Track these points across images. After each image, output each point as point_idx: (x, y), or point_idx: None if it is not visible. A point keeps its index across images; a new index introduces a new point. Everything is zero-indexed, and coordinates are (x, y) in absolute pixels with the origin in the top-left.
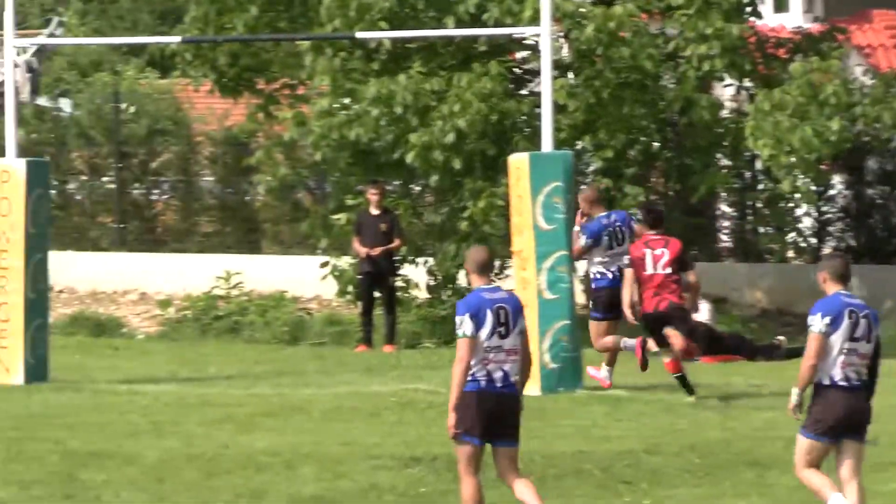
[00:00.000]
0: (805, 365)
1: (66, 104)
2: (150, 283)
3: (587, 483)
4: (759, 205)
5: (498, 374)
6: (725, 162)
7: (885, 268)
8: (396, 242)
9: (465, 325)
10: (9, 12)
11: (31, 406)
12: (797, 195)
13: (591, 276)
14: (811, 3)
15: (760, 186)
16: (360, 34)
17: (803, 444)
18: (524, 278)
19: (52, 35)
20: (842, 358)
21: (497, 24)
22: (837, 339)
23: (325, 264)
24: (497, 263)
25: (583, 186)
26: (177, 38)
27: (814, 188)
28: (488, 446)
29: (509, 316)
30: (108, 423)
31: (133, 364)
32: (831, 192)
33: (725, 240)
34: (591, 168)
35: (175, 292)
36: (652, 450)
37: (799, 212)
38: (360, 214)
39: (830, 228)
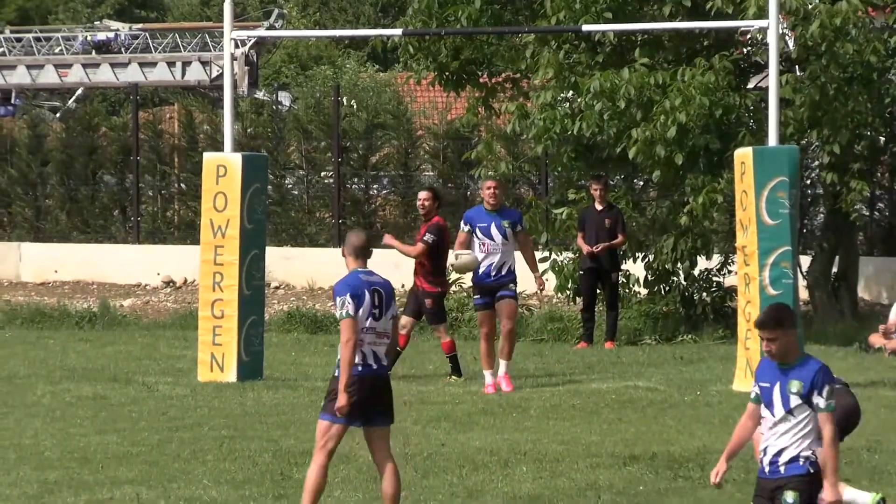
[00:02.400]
0: None
1: (284, 98)
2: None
3: None
4: None
5: (371, 356)
6: None
7: None
8: (620, 238)
9: (347, 305)
10: (227, 4)
11: (244, 404)
12: None
13: None
14: None
15: None
16: (586, 27)
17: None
18: (747, 274)
19: (271, 27)
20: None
21: (719, 14)
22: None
23: (544, 259)
24: (720, 258)
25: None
26: (398, 31)
27: None
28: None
29: (384, 299)
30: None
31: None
32: None
33: None
34: (816, 163)
35: (395, 288)
36: (873, 447)
37: None
38: (584, 210)
39: None
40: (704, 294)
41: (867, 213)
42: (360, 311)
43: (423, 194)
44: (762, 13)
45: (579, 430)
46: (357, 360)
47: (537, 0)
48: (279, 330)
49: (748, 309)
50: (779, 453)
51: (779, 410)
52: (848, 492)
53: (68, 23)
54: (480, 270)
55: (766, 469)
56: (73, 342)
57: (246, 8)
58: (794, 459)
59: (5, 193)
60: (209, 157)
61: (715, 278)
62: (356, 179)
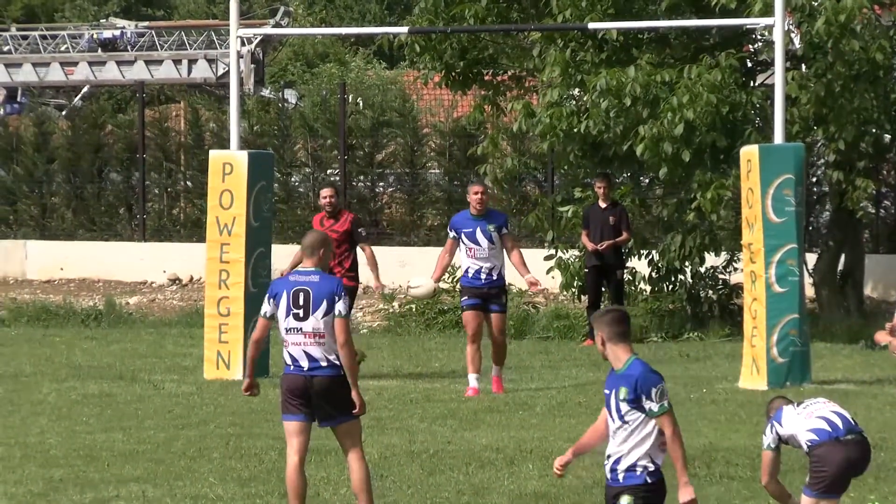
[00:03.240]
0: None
1: (290, 95)
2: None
3: None
4: None
5: (301, 357)
6: None
7: None
8: (624, 236)
9: (264, 304)
10: (234, 2)
11: (251, 402)
12: None
13: None
14: None
15: None
16: (592, 25)
17: None
18: (753, 271)
19: (277, 25)
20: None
21: (725, 11)
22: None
23: (549, 257)
24: (726, 256)
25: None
26: (404, 29)
27: None
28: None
29: (311, 298)
30: None
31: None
32: None
33: None
34: (822, 161)
35: (400, 286)
36: (879, 444)
37: None
38: (589, 208)
39: None
40: (710, 291)
41: (873, 211)
42: (279, 311)
43: (326, 191)
44: (768, 10)
45: (585, 428)
46: (288, 360)
47: None
48: None
49: (754, 306)
50: (618, 461)
51: (615, 417)
52: None
53: (74, 20)
54: (470, 274)
55: (608, 476)
56: (78, 340)
57: (252, 6)
58: (632, 468)
59: (11, 191)
60: (215, 155)
61: (721, 276)
62: (362, 177)
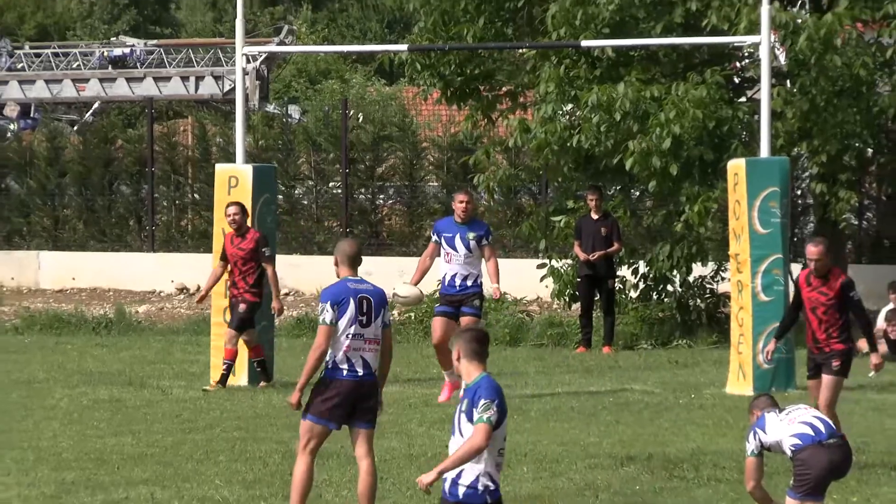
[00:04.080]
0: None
1: (294, 111)
2: (376, 284)
3: None
4: None
5: (358, 362)
6: None
7: None
8: (615, 246)
9: (326, 312)
10: (239, 21)
11: (255, 407)
12: None
13: None
14: None
15: None
16: (585, 42)
17: None
18: (740, 281)
19: (281, 43)
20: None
21: (714, 31)
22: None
23: (542, 265)
24: (713, 266)
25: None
26: (404, 47)
27: None
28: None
29: (372, 306)
30: None
31: None
32: None
33: None
34: (806, 173)
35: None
36: (861, 448)
37: None
38: (581, 219)
39: None
40: (699, 300)
41: (856, 222)
42: (344, 318)
43: (232, 209)
44: (754, 28)
45: (578, 432)
46: (344, 365)
47: (538, 17)
48: (289, 335)
49: (741, 315)
50: (459, 474)
51: (455, 430)
52: None
53: (86, 39)
54: (446, 281)
55: (447, 489)
56: (89, 347)
57: (257, 24)
58: (474, 485)
59: (25, 204)
60: (221, 169)
61: (709, 285)
62: (363, 190)
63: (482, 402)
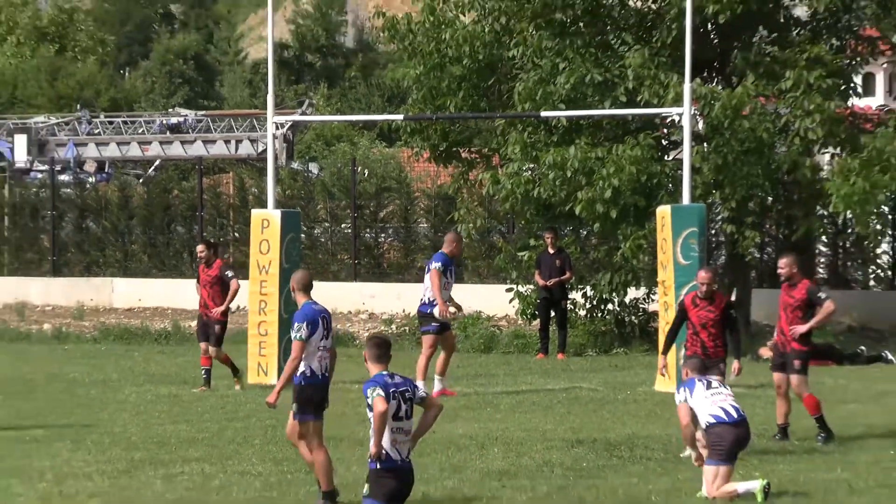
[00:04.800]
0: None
1: (314, 167)
2: (377, 305)
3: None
4: (847, 244)
5: (324, 368)
6: (823, 211)
7: None
8: (567, 275)
9: (302, 330)
10: (270, 96)
11: (284, 400)
12: (870, 234)
13: None
14: (893, 86)
15: (849, 230)
16: (544, 113)
17: None
18: (666, 302)
19: (304, 113)
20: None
21: (647, 104)
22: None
23: (510, 290)
24: (644, 290)
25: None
26: (399, 116)
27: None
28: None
29: (329, 323)
30: (342, 413)
31: (361, 369)
32: None
33: (822, 272)
34: (719, 217)
35: (397, 312)
36: (761, 433)
37: (879, 250)
38: (540, 254)
39: None
40: (633, 317)
41: (758, 256)
42: (316, 335)
43: (200, 248)
44: (678, 100)
45: (538, 421)
46: (314, 371)
47: (507, 93)
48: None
49: (666, 329)
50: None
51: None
52: (740, 485)
53: (149, 109)
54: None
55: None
56: (152, 354)
57: (284, 98)
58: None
59: (101, 240)
60: (256, 213)
61: (641, 305)
62: (368, 230)
63: (368, 391)
